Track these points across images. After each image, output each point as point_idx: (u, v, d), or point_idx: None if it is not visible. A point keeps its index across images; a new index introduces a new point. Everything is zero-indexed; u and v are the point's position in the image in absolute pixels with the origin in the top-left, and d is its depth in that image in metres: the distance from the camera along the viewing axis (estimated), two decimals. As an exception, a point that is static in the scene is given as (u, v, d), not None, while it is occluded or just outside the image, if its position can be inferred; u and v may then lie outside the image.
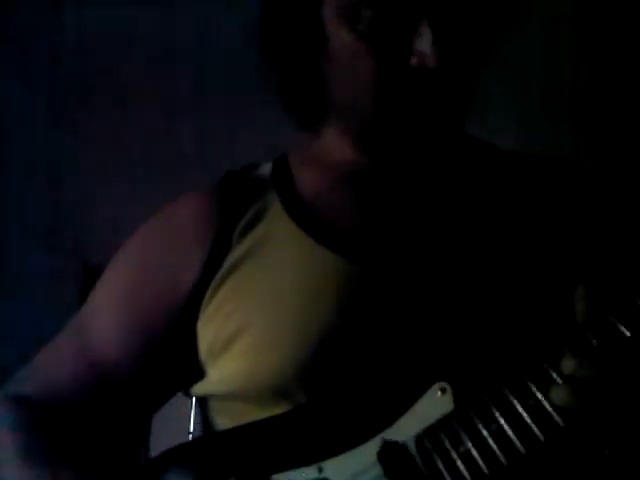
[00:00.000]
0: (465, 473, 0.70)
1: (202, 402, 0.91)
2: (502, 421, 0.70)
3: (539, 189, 0.88)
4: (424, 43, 0.75)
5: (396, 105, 0.79)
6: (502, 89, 2.13)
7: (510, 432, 0.70)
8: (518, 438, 0.70)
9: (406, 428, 0.74)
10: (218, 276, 0.83)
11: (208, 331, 0.83)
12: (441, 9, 0.76)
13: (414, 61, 0.76)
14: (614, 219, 0.88)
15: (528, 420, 0.70)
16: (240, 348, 0.81)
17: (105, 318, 0.89)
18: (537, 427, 0.69)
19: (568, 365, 0.68)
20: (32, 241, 2.35)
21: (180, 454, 0.81)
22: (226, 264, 0.83)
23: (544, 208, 0.86)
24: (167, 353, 0.86)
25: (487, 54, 0.83)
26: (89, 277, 2.39)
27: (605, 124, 2.32)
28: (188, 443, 0.83)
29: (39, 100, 2.40)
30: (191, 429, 2.26)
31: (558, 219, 0.85)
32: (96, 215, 2.34)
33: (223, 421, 0.86)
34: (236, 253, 0.84)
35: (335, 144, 0.89)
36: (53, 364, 0.90)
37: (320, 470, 0.75)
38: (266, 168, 0.92)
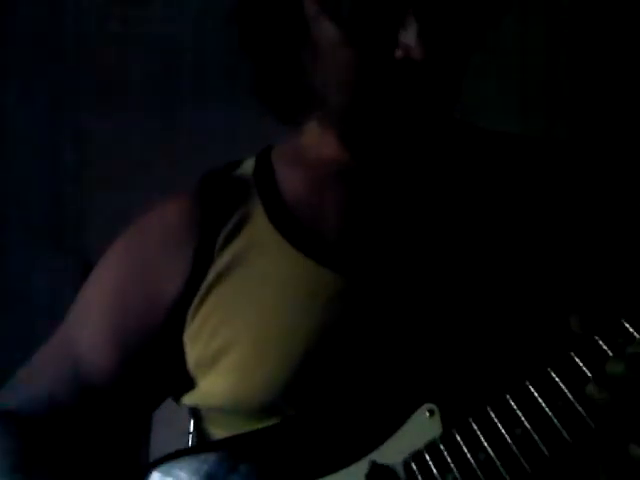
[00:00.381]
0: None
1: (195, 411, 0.89)
2: (489, 450, 0.69)
3: (531, 173, 0.84)
4: (409, 35, 0.72)
5: (378, 97, 0.75)
6: (501, 89, 2.13)
7: (498, 463, 0.68)
8: (505, 469, 0.68)
9: (394, 450, 0.73)
10: (202, 289, 0.81)
11: (194, 346, 0.82)
12: (428, 2, 0.72)
13: (399, 53, 0.72)
14: (608, 203, 0.85)
15: (515, 450, 0.68)
16: (227, 365, 0.80)
17: (88, 329, 0.88)
18: (524, 458, 0.68)
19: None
20: (32, 241, 2.34)
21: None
22: (209, 276, 0.81)
23: (537, 196, 0.83)
24: (153, 363, 0.85)
25: (476, 43, 0.79)
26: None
27: (605, 125, 2.32)
28: (176, 453, 0.81)
29: (39, 100, 2.40)
30: (191, 429, 2.26)
31: (552, 208, 0.82)
32: (96, 215, 2.34)
33: (217, 431, 0.85)
34: (219, 264, 0.82)
35: (318, 140, 0.86)
36: (37, 377, 0.89)
37: None
38: (248, 166, 0.89)
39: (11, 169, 2.39)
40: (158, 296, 0.83)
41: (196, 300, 0.81)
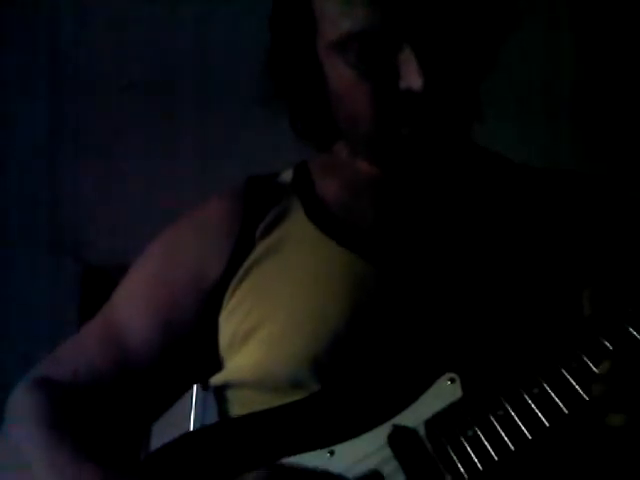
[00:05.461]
0: (473, 456, 0.74)
1: (219, 393, 0.95)
2: (509, 407, 0.74)
3: (545, 198, 0.93)
4: (409, 69, 0.80)
5: (393, 126, 0.85)
6: (501, 89, 2.13)
7: (516, 418, 0.73)
8: (524, 424, 0.73)
9: (416, 414, 0.78)
10: (240, 272, 0.90)
11: (230, 324, 0.89)
12: (423, 35, 0.81)
13: (402, 85, 0.81)
14: (624, 237, 0.92)
15: (534, 407, 0.73)
16: (259, 340, 0.87)
17: (132, 305, 0.95)
18: (542, 414, 0.73)
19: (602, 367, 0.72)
20: (32, 241, 2.35)
21: (195, 439, 0.86)
22: (248, 261, 0.90)
23: (548, 216, 0.91)
24: (189, 345, 0.92)
25: (482, 66, 0.88)
26: (89, 277, 2.39)
27: (605, 125, 2.32)
28: (204, 428, 0.88)
29: (39, 100, 2.40)
30: (191, 429, 2.26)
31: (561, 227, 0.90)
32: (96, 215, 2.34)
33: (240, 410, 0.90)
34: (258, 251, 0.90)
35: (347, 158, 0.96)
36: (79, 349, 0.95)
37: (331, 453, 0.78)
38: (287, 175, 0.99)
39: (11, 170, 2.39)
40: (200, 276, 0.91)
41: (234, 281, 0.90)
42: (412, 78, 0.80)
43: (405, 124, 0.84)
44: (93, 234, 2.34)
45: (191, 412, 2.32)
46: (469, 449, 0.74)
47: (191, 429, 2.26)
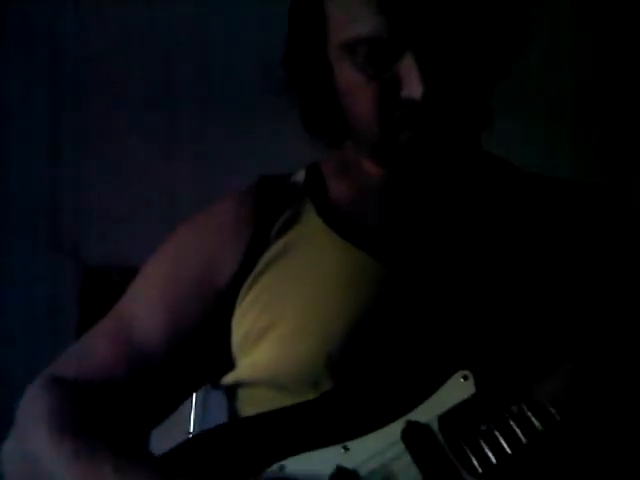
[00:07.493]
0: (487, 450, 0.75)
1: (230, 392, 0.96)
2: (522, 404, 0.75)
3: (553, 205, 0.94)
4: (410, 77, 0.81)
5: (394, 130, 0.86)
6: (501, 89, 2.13)
7: (529, 413, 0.75)
8: (537, 418, 0.75)
9: (429, 410, 0.79)
10: (254, 272, 0.90)
11: (243, 323, 0.90)
12: (427, 43, 0.81)
13: (403, 94, 0.82)
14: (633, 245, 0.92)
15: (546, 403, 0.75)
16: (273, 339, 0.87)
17: (143, 305, 0.95)
18: (554, 408, 0.75)
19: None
20: (32, 241, 2.35)
21: (208, 438, 0.86)
22: (262, 261, 0.90)
23: (555, 221, 0.92)
24: (201, 345, 0.92)
25: (492, 77, 0.90)
26: (89, 277, 2.39)
27: (605, 126, 2.32)
28: (217, 427, 0.87)
29: (39, 100, 2.40)
30: (191, 429, 2.27)
31: (567, 233, 0.91)
32: (96, 215, 2.35)
33: (251, 409, 0.90)
34: (271, 252, 0.91)
35: (355, 158, 0.97)
36: (91, 348, 0.95)
37: (345, 449, 0.80)
38: (299, 176, 0.99)
39: (11, 169, 2.39)
40: (212, 277, 0.92)
41: (248, 282, 0.90)
42: (412, 86, 0.81)
43: (405, 130, 0.85)
44: (93, 234, 2.34)
45: (191, 412, 2.33)
46: (482, 443, 0.75)
47: (191, 429, 2.27)
